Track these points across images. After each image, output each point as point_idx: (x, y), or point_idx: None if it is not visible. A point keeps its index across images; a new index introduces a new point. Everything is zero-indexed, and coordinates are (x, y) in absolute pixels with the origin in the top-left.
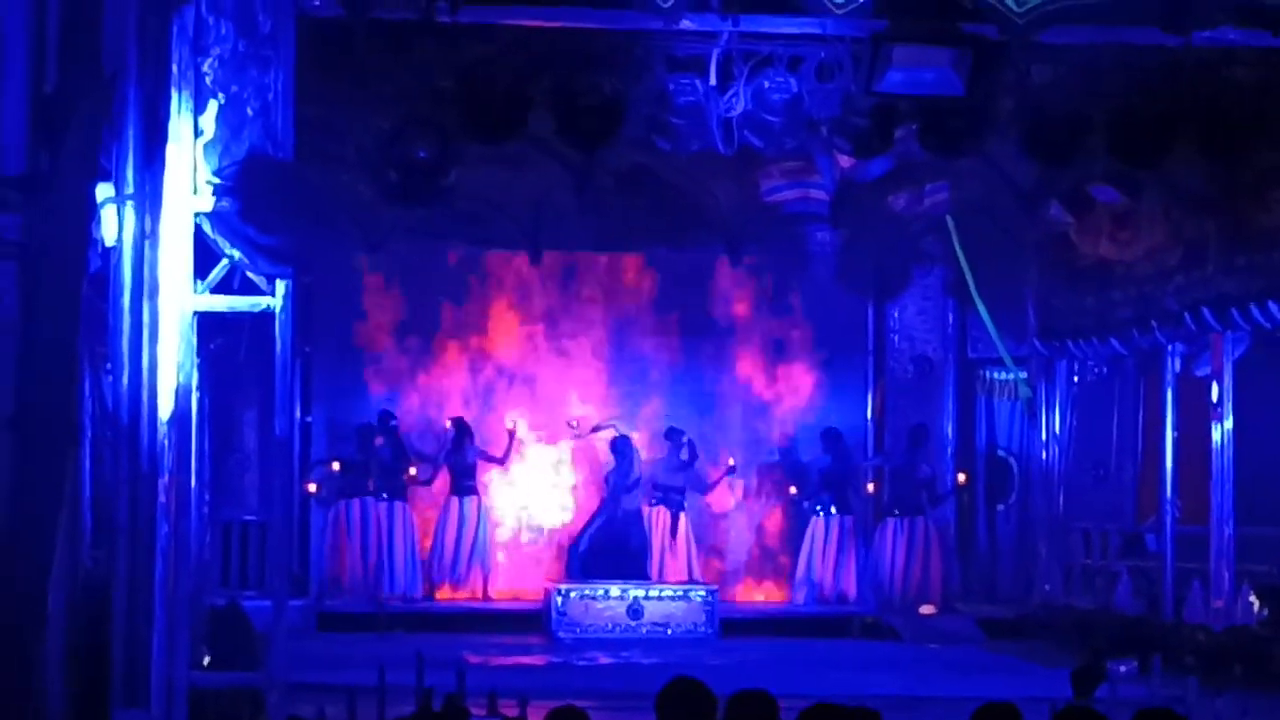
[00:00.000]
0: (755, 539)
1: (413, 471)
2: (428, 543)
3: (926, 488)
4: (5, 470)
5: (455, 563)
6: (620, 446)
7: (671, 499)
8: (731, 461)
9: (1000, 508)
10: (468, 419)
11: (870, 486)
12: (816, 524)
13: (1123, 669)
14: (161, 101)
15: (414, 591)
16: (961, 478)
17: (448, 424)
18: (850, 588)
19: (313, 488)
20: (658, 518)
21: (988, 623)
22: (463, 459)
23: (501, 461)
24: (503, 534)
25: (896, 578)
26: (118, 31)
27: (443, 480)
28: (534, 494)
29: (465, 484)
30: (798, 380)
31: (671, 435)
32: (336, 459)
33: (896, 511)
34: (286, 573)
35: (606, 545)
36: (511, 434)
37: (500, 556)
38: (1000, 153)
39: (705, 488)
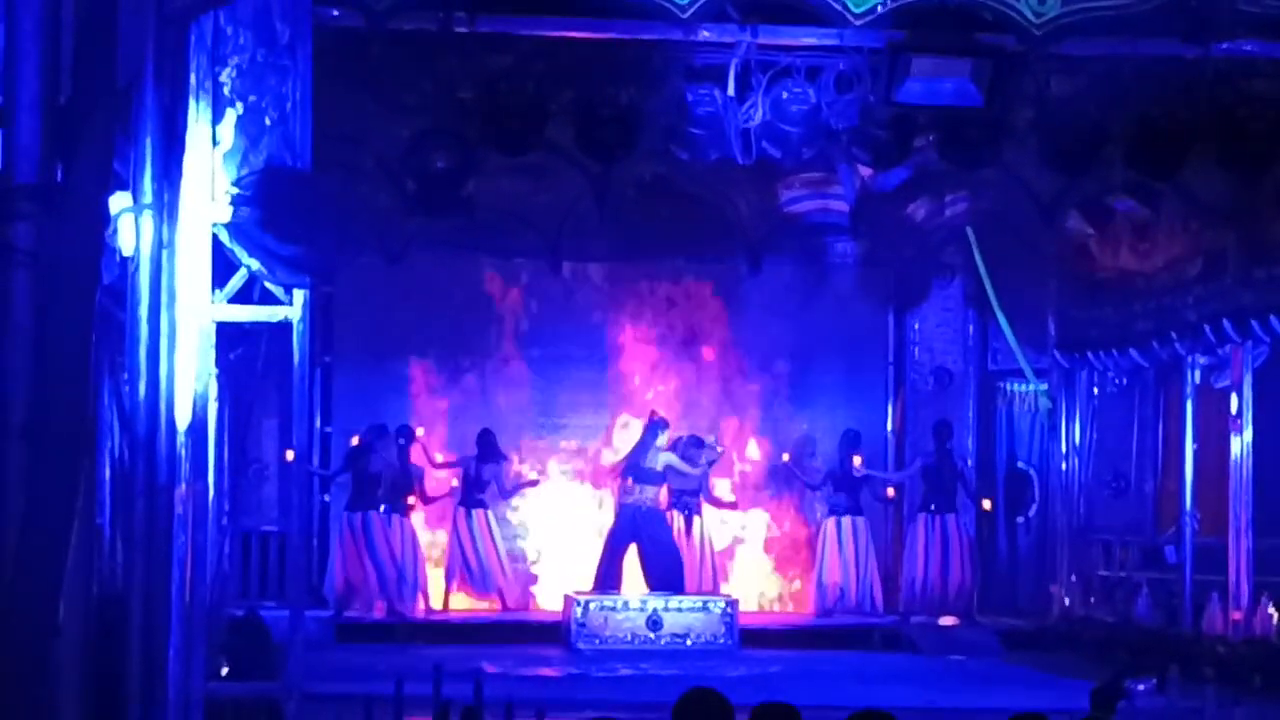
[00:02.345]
0: (772, 548)
1: (411, 501)
2: (435, 554)
3: (960, 480)
4: (18, 480)
5: (482, 575)
6: (650, 424)
7: (684, 502)
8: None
9: (1020, 520)
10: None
11: (890, 492)
12: (828, 527)
13: (1141, 687)
14: (179, 111)
15: (414, 605)
16: (986, 504)
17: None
18: (870, 594)
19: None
20: (671, 522)
21: (1007, 634)
22: (479, 475)
23: (503, 494)
24: (525, 545)
25: (922, 578)
26: (134, 41)
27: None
28: (560, 506)
29: (475, 496)
30: (817, 391)
31: (694, 443)
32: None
33: (932, 507)
34: (305, 583)
35: (619, 550)
36: (524, 483)
37: (535, 567)
38: (1019, 163)
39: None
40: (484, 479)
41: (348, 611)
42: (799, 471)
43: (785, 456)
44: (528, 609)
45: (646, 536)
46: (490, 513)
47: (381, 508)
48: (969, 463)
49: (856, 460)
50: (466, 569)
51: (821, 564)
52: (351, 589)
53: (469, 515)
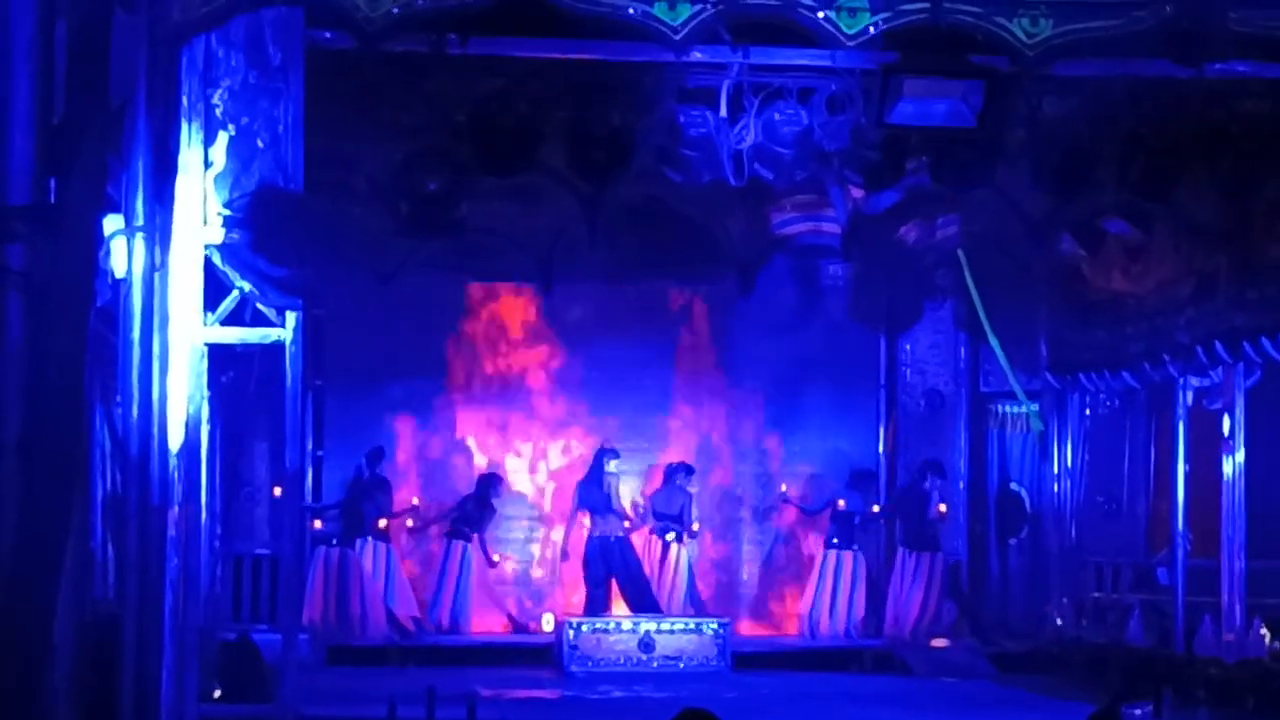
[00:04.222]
0: (762, 572)
1: (410, 522)
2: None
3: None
4: (12, 501)
5: (440, 604)
6: (598, 453)
7: (664, 528)
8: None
9: (1013, 542)
10: (484, 456)
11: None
12: (822, 561)
13: (1138, 712)
14: (171, 133)
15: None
16: (943, 508)
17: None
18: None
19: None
20: (652, 547)
21: (999, 656)
22: (478, 514)
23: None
24: (507, 569)
25: (904, 612)
26: (126, 63)
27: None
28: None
29: (462, 529)
30: (809, 414)
31: (674, 470)
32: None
33: (907, 546)
34: (297, 606)
35: (599, 580)
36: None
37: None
38: (1011, 184)
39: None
40: (477, 516)
41: (332, 642)
42: (796, 502)
43: (784, 487)
44: (529, 631)
45: (619, 567)
46: (471, 547)
47: (369, 539)
48: (961, 486)
49: (840, 503)
50: (447, 599)
51: (812, 594)
52: (331, 621)
53: (449, 546)
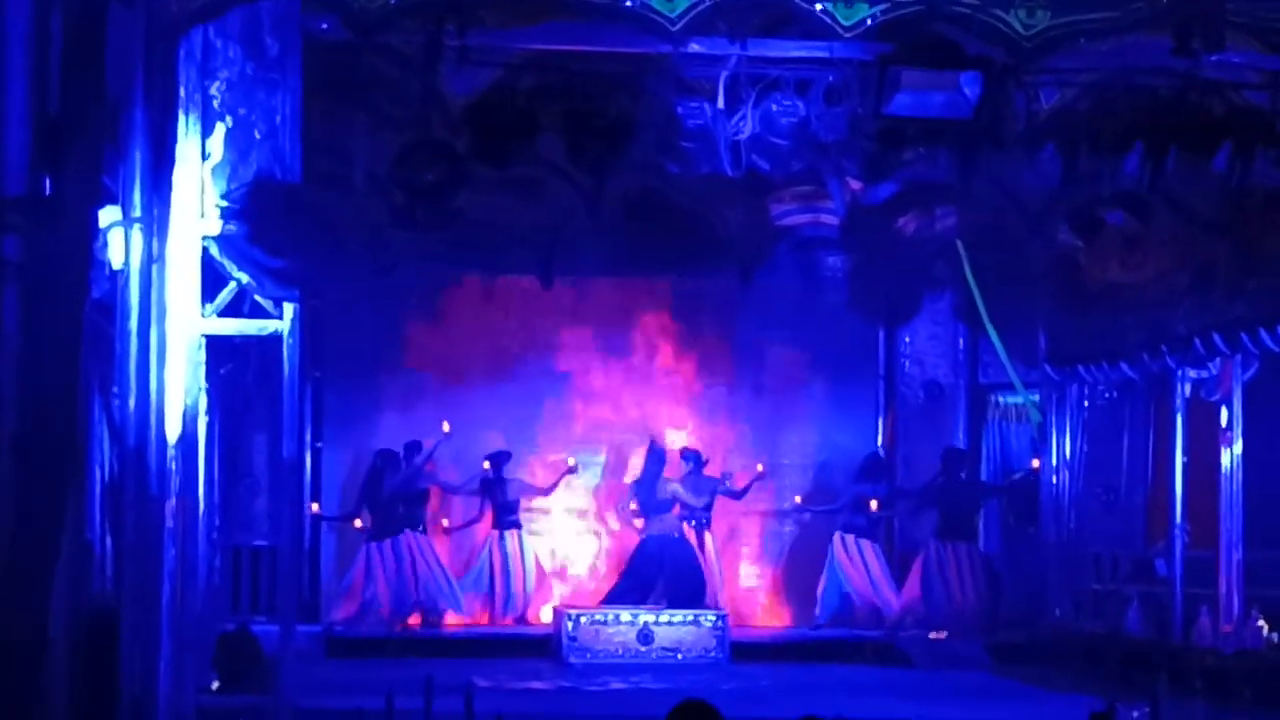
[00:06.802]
0: (774, 560)
1: (445, 523)
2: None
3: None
4: (8, 494)
5: (509, 597)
6: (652, 454)
7: (695, 516)
8: (760, 467)
9: (1031, 530)
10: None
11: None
12: (842, 545)
13: (1135, 714)
14: (169, 124)
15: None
16: (1036, 463)
17: (486, 465)
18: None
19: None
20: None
21: (998, 647)
22: (504, 493)
23: (546, 492)
24: (547, 562)
25: (924, 603)
26: (123, 54)
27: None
28: (569, 521)
29: (507, 519)
30: (808, 405)
31: (686, 456)
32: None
33: (943, 536)
34: (296, 598)
35: (643, 576)
36: (569, 470)
37: (555, 584)
38: (1009, 175)
39: (738, 495)
40: (510, 498)
41: (361, 628)
42: (812, 508)
43: (797, 499)
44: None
45: (671, 563)
46: (523, 533)
47: (404, 530)
48: (960, 477)
49: (873, 504)
50: (491, 592)
51: (833, 577)
52: (364, 611)
53: (502, 538)
